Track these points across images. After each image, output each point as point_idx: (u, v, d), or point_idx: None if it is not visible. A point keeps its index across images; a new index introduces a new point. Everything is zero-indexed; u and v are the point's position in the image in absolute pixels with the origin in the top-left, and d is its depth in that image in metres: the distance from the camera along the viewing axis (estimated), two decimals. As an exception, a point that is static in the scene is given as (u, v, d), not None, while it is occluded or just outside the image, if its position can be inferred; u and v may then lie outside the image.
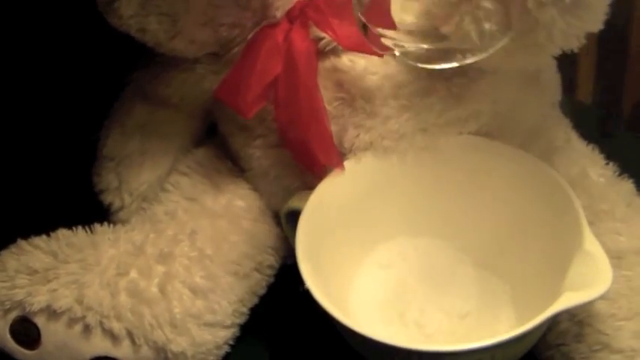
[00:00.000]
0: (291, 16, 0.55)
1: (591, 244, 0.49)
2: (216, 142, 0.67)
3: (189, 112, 0.66)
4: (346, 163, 0.58)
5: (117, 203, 0.65)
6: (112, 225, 0.60)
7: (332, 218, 0.57)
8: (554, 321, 0.52)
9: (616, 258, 0.53)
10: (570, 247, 0.50)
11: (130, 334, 0.54)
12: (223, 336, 0.58)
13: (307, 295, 0.50)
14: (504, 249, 0.58)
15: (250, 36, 0.56)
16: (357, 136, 0.57)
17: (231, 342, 0.59)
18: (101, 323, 0.54)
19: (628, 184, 0.60)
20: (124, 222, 0.64)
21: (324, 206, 0.57)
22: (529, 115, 0.60)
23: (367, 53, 0.54)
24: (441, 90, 0.56)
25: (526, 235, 0.57)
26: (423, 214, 0.61)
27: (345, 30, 0.54)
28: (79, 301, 0.54)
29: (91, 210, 0.64)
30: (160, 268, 0.57)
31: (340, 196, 0.58)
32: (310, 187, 0.57)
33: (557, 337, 0.52)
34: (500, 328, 0.54)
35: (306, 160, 0.57)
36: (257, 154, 0.61)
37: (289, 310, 0.62)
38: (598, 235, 0.52)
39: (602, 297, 0.47)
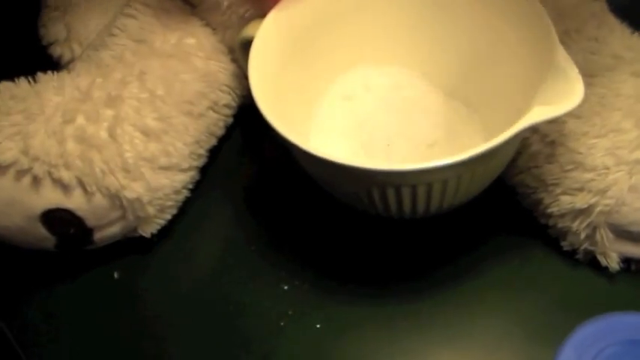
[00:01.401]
0: None
1: (563, 59, 0.46)
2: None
3: None
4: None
5: (67, 55, 0.61)
6: (56, 73, 0.56)
7: (288, 46, 0.54)
8: (524, 143, 0.50)
9: (589, 76, 0.50)
10: (542, 65, 0.47)
11: (81, 183, 0.51)
12: (181, 180, 0.55)
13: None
14: (473, 75, 0.56)
15: None
16: None
17: (190, 186, 0.57)
18: (50, 173, 0.51)
19: (600, 2, 0.57)
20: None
21: (278, 33, 0.53)
22: None
23: None
24: None
25: (495, 57, 0.54)
26: (386, 42, 0.57)
27: None
28: (25, 153, 0.51)
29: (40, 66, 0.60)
30: (109, 112, 0.53)
31: (296, 23, 0.54)
32: (265, 13, 0.54)
33: (528, 160, 0.50)
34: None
35: None
36: None
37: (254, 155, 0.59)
38: (572, 53, 0.49)
39: (573, 113, 0.45)
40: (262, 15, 0.55)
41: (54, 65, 0.62)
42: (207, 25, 0.60)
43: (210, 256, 0.56)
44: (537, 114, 0.44)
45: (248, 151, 0.60)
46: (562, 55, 0.46)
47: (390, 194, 0.47)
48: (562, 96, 0.44)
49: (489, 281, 0.52)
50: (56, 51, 0.63)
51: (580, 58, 0.51)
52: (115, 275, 0.56)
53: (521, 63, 0.51)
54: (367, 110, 0.57)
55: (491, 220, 0.54)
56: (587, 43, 0.53)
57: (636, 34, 0.54)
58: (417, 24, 0.57)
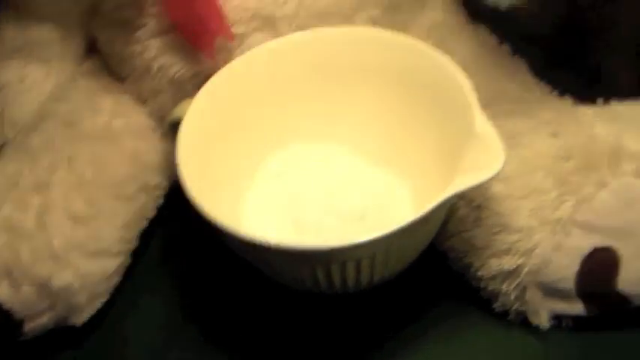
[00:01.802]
0: None
1: (483, 125, 0.47)
2: (93, 63, 0.63)
3: (66, 28, 0.61)
4: (229, 67, 0.55)
5: None
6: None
7: (216, 126, 0.54)
8: (452, 208, 0.50)
9: (511, 138, 0.51)
10: (463, 132, 0.48)
11: (9, 273, 0.50)
12: (112, 265, 0.54)
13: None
14: (400, 144, 0.56)
15: None
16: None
17: (121, 271, 0.56)
18: (-24, 264, 0.50)
19: (522, 64, 0.59)
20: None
21: (207, 114, 0.54)
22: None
23: None
24: None
25: (419, 126, 0.54)
26: (314, 118, 0.58)
27: None
28: None
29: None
30: (36, 199, 0.53)
31: (224, 103, 0.55)
32: (196, 72, 0.55)
33: (457, 225, 0.51)
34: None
35: (195, 35, 0.55)
36: (139, 48, 0.57)
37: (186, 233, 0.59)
38: (493, 117, 0.50)
39: (495, 178, 0.45)
40: (194, 73, 0.56)
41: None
42: (138, 97, 0.60)
43: (144, 344, 0.54)
44: (460, 183, 0.45)
45: (181, 233, 0.60)
46: (482, 122, 0.47)
47: (319, 271, 0.47)
48: (484, 163, 0.45)
49: (426, 351, 0.51)
50: None
51: (501, 120, 0.52)
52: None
53: (444, 131, 0.52)
54: (297, 187, 0.57)
55: (425, 287, 0.54)
56: (508, 105, 0.54)
57: (554, 93, 0.56)
58: (342, 98, 0.57)
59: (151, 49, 0.57)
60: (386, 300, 0.53)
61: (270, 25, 0.56)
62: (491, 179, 0.45)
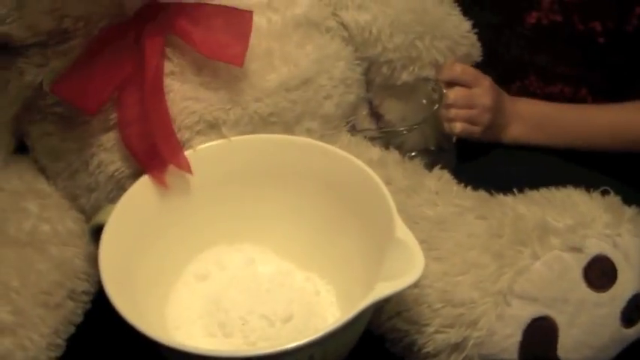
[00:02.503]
0: (143, 16, 0.54)
1: (402, 231, 0.49)
2: (19, 164, 0.62)
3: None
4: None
5: None
6: None
7: (140, 231, 0.54)
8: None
9: (439, 224, 0.53)
10: (383, 238, 0.50)
11: None
12: (40, 373, 0.52)
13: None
14: (324, 248, 0.57)
15: (98, 32, 0.55)
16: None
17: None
18: None
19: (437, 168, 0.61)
20: None
21: (129, 218, 0.53)
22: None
23: (225, 61, 0.55)
24: None
25: (342, 231, 0.56)
26: (237, 220, 0.58)
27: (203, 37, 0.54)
28: None
29: None
30: (-41, 308, 0.51)
31: (147, 208, 0.55)
32: (137, 170, 0.55)
33: (396, 305, 0.52)
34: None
35: (148, 159, 0.55)
36: (77, 145, 0.57)
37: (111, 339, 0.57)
38: (418, 206, 0.53)
39: (432, 256, 0.47)
40: (134, 171, 0.56)
41: None
42: (69, 195, 0.59)
43: None
44: (381, 291, 0.46)
45: (108, 338, 0.57)
46: (401, 229, 0.49)
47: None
48: (404, 269, 0.47)
49: None
50: None
51: (426, 209, 0.55)
52: None
53: (366, 236, 0.53)
54: (222, 289, 0.56)
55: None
56: (430, 196, 0.57)
57: (469, 188, 0.59)
58: (265, 202, 0.58)
59: (92, 145, 0.57)
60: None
61: (215, 129, 0.57)
62: (429, 258, 0.46)
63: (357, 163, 0.54)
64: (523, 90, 0.73)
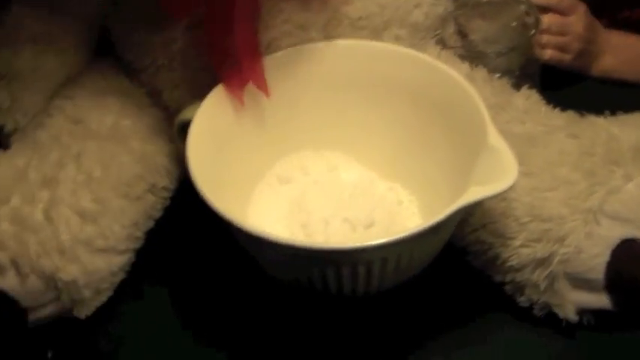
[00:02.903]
0: None
1: (495, 139, 0.48)
2: (99, 62, 0.62)
3: (84, 19, 0.60)
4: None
5: (10, 125, 0.59)
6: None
7: (226, 130, 0.54)
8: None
9: (529, 140, 0.52)
10: (475, 146, 0.49)
11: (15, 264, 0.49)
12: (117, 262, 0.53)
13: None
14: (408, 159, 0.57)
15: None
16: None
17: (126, 268, 0.54)
18: (-17, 254, 0.48)
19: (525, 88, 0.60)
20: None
21: (215, 117, 0.53)
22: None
23: None
24: None
25: (428, 141, 0.55)
26: (324, 127, 0.58)
27: None
28: None
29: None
30: (45, 194, 0.51)
31: (232, 108, 0.55)
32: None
33: (482, 217, 0.51)
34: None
35: (228, 75, 0.54)
36: (164, 39, 0.57)
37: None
38: (505, 123, 0.52)
39: (522, 171, 0.46)
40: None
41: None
42: (152, 90, 0.59)
43: (144, 338, 0.53)
44: (473, 194, 0.45)
45: (185, 234, 0.59)
46: (494, 137, 0.48)
47: (330, 274, 0.47)
48: (497, 176, 0.46)
49: (433, 352, 0.51)
50: None
51: (513, 126, 0.54)
52: (49, 355, 0.52)
53: (454, 145, 0.53)
54: (305, 193, 0.57)
55: (440, 288, 0.53)
56: (517, 114, 0.56)
57: (557, 109, 0.57)
58: (352, 110, 0.58)
59: (178, 41, 0.56)
60: (401, 301, 0.53)
61: (304, 30, 0.56)
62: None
63: (448, 71, 0.53)
64: (615, 22, 0.70)
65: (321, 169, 0.58)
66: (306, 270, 0.48)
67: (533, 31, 0.62)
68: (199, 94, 0.54)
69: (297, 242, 0.45)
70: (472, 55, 0.63)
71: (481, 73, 0.60)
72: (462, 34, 0.66)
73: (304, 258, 0.46)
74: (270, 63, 0.55)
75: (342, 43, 0.57)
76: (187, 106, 0.54)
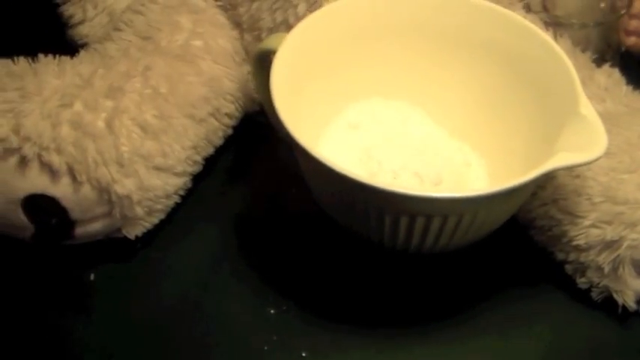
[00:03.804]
0: None
1: (586, 108, 0.47)
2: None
3: None
4: (328, 9, 0.53)
5: (79, 15, 0.58)
6: (58, 56, 0.53)
7: (305, 66, 0.53)
8: (548, 176, 0.49)
9: (608, 119, 0.50)
10: (563, 113, 0.48)
11: (71, 170, 0.48)
12: (174, 184, 0.52)
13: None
14: (483, 121, 0.55)
15: None
16: None
17: (181, 192, 0.54)
18: (39, 156, 0.48)
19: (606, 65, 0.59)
20: (83, 37, 0.58)
21: (300, 51, 0.52)
22: None
23: None
24: None
25: (508, 104, 0.54)
26: (399, 76, 0.57)
27: None
28: (16, 131, 0.48)
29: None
30: (109, 103, 0.50)
31: (316, 44, 0.53)
32: None
33: (553, 192, 0.50)
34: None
35: None
36: None
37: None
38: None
39: (577, 174, 0.46)
40: None
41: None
42: (226, 3, 0.58)
43: (194, 271, 0.52)
44: (562, 159, 0.44)
45: (243, 168, 0.58)
46: (586, 105, 0.47)
47: (403, 223, 0.46)
48: (586, 144, 0.45)
49: (485, 324, 0.50)
50: (67, 10, 0.60)
51: (594, 103, 0.52)
52: (92, 277, 0.51)
53: (540, 109, 0.51)
54: (374, 141, 0.55)
55: (498, 260, 0.52)
56: (598, 91, 0.55)
57: (637, 91, 0.56)
58: (428, 64, 0.56)
59: None
60: (454, 268, 0.52)
61: None
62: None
63: (538, 32, 0.51)
64: None
65: (392, 119, 0.57)
66: (365, 214, 0.46)
67: (623, 11, 0.61)
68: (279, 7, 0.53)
69: (376, 183, 0.43)
70: (556, 23, 0.61)
71: (565, 44, 0.58)
72: (545, 8, 0.65)
73: (369, 201, 0.45)
74: (349, 5, 0.54)
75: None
76: (271, 36, 0.53)
